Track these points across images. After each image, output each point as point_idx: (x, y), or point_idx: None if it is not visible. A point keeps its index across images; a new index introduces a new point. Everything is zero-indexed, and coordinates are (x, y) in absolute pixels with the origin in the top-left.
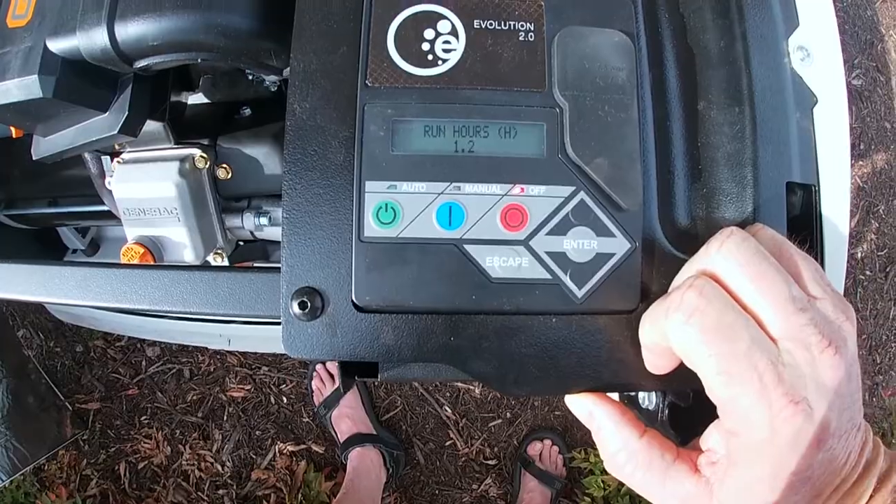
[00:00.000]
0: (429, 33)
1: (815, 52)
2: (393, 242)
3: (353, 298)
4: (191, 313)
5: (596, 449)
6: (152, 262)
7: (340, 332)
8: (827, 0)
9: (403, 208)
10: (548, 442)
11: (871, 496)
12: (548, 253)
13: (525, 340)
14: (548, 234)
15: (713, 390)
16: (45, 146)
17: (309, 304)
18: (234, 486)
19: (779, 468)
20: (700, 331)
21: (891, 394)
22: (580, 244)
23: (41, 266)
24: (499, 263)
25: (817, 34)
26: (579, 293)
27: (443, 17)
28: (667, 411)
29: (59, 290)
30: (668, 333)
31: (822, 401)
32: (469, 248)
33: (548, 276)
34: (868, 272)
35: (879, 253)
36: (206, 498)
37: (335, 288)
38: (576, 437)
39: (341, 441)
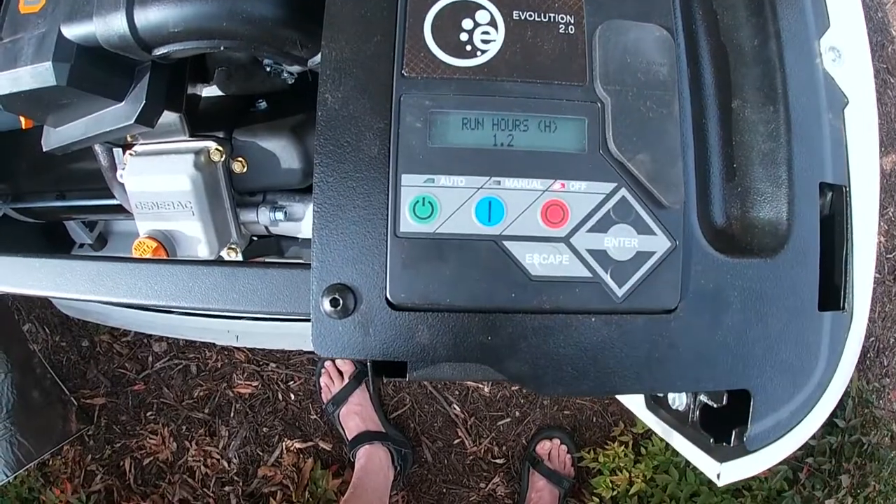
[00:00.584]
0: (467, 23)
1: (846, 53)
2: (430, 238)
3: (388, 296)
4: (208, 309)
5: (605, 449)
6: (165, 257)
7: (373, 331)
8: (856, 1)
9: (441, 203)
10: (556, 441)
11: None
12: (588, 251)
13: (564, 340)
14: (589, 231)
15: None
16: (55, 137)
17: (341, 302)
18: (241, 483)
19: None
20: None
21: None
22: (621, 242)
23: (53, 259)
24: (539, 261)
25: (847, 35)
26: (619, 292)
27: (481, 6)
28: (698, 412)
29: (71, 286)
30: None
31: None
32: (509, 244)
33: (588, 274)
34: (876, 274)
35: (888, 256)
36: (211, 494)
37: (369, 285)
38: (584, 437)
39: (349, 439)
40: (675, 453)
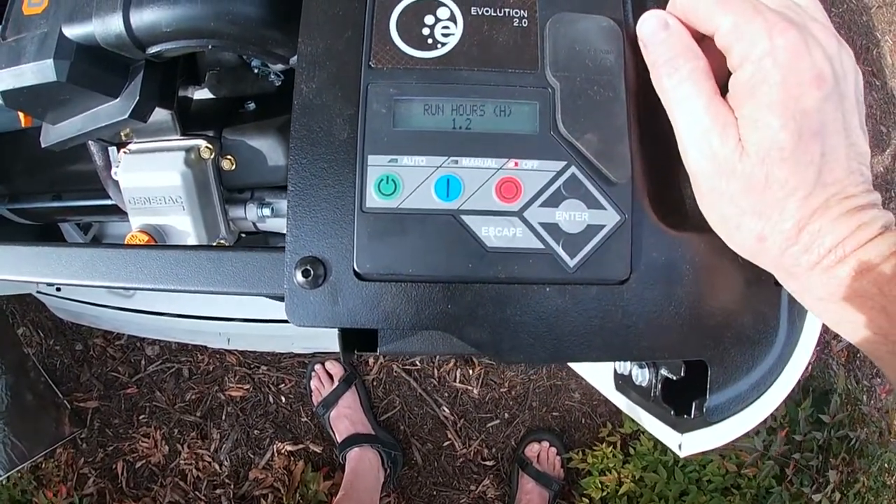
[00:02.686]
0: (429, 19)
1: None
2: (393, 213)
3: (355, 267)
4: (196, 291)
5: (593, 450)
6: None
7: (342, 300)
8: None
9: (404, 180)
10: (545, 443)
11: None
12: (541, 224)
13: (520, 308)
14: (541, 205)
15: (717, 24)
16: (54, 133)
17: (312, 273)
18: (232, 486)
19: (784, 95)
20: None
21: (887, 392)
22: (572, 216)
23: (48, 248)
24: (494, 233)
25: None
26: (571, 263)
27: (442, 4)
28: (659, 386)
29: (65, 272)
30: None
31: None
32: (466, 218)
33: (541, 245)
34: None
35: None
36: (203, 497)
37: (337, 257)
38: (573, 438)
39: (339, 441)
40: (664, 452)
